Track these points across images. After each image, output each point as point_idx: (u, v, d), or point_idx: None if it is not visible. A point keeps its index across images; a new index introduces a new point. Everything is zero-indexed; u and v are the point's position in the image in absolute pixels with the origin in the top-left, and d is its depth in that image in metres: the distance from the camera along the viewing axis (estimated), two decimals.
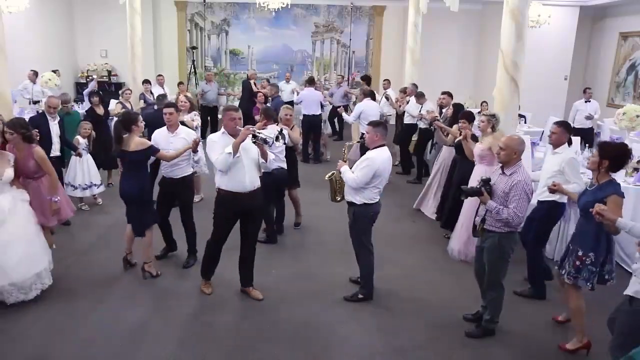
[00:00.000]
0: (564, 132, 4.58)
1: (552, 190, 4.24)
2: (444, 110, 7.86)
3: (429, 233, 6.43)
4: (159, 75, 11.08)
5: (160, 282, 4.90)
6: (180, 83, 10.54)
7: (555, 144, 4.60)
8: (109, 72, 13.73)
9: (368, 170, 4.27)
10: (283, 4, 11.24)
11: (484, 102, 10.12)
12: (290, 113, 6.05)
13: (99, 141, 7.22)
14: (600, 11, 13.87)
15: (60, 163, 6.41)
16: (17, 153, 4.60)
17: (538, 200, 4.69)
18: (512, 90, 5.79)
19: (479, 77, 14.35)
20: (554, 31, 12.65)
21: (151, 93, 9.97)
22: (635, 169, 6.15)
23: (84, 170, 6.76)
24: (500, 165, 4.01)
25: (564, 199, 4.59)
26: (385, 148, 4.43)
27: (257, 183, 4.41)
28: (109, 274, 5.01)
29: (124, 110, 8.02)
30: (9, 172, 4.37)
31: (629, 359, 2.74)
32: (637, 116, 7.11)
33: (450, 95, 8.06)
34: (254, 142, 4.24)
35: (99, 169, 7.12)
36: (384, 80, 10.91)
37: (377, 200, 4.47)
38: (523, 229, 4.85)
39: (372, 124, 4.48)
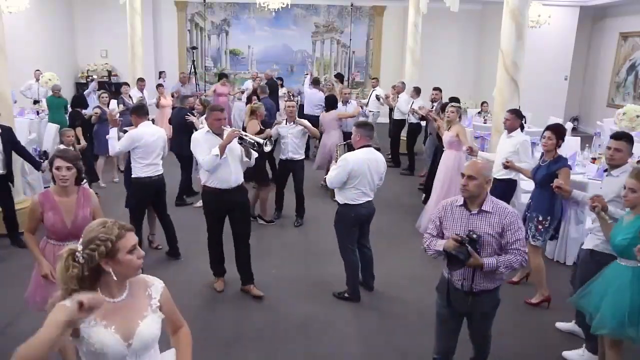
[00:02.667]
0: (516, 118, 5.21)
1: (506, 166, 4.80)
2: (435, 104, 8.50)
3: None
4: (140, 79, 10.33)
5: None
6: (159, 85, 10.24)
7: (510, 129, 5.21)
8: (109, 72, 13.73)
9: (340, 170, 4.29)
10: (283, 4, 11.25)
11: (484, 102, 10.13)
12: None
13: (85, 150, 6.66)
14: (600, 11, 13.88)
15: (5, 181, 5.53)
16: (59, 201, 3.23)
17: (496, 178, 5.21)
18: (512, 90, 5.80)
19: (479, 77, 14.35)
20: (554, 31, 12.66)
21: (130, 97, 9.35)
22: None
23: None
24: (461, 204, 2.96)
25: (517, 177, 5.30)
26: (369, 149, 4.41)
27: (241, 179, 4.55)
28: None
29: (99, 113, 7.46)
30: (149, 328, 1.98)
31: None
32: (637, 116, 7.10)
33: (440, 90, 8.91)
34: (240, 144, 4.45)
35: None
36: (372, 78, 11.31)
37: (361, 202, 4.40)
38: None
39: (356, 124, 4.56)
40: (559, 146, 4.41)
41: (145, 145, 4.99)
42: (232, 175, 4.42)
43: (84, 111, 7.78)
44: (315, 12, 14.67)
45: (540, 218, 4.44)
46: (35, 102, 9.72)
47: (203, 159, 4.31)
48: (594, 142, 7.57)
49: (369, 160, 4.35)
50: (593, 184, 5.30)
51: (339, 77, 11.76)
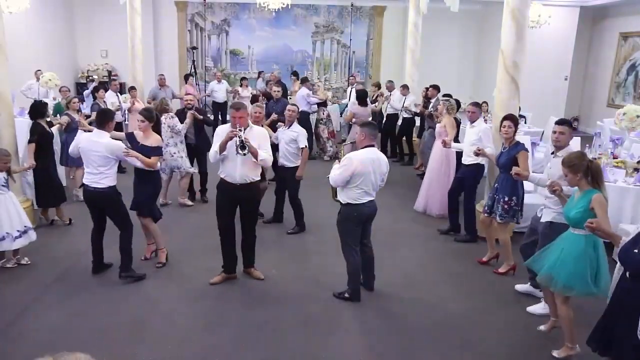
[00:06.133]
0: (479, 110, 6.03)
1: (477, 153, 5.38)
2: (431, 101, 8.88)
3: (428, 231, 6.43)
4: (113, 79, 9.77)
5: (163, 279, 4.90)
6: (131, 88, 9.71)
7: (472, 120, 5.87)
8: (109, 72, 13.73)
9: (344, 169, 4.32)
10: (283, 4, 11.24)
11: (484, 102, 10.12)
12: (259, 111, 6.13)
13: (44, 168, 5.83)
14: (600, 11, 13.88)
15: None
16: None
17: (464, 164, 6.01)
18: (512, 90, 5.80)
19: (479, 77, 14.35)
20: (554, 31, 12.65)
21: (104, 102, 8.79)
22: (636, 169, 6.15)
23: (10, 213, 4.90)
24: None
25: (483, 161, 5.88)
26: (373, 149, 4.44)
27: (250, 178, 4.65)
28: (105, 274, 5.03)
29: (69, 122, 6.85)
30: None
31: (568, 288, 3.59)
32: (637, 116, 7.10)
33: (433, 87, 9.32)
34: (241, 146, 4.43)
35: (39, 206, 6.16)
36: (351, 76, 12.00)
37: (364, 202, 4.42)
38: (452, 186, 6.29)
39: (361, 124, 4.67)
40: (515, 133, 5.05)
41: (81, 152, 4.71)
42: (237, 171, 4.57)
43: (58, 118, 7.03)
44: (315, 12, 14.67)
45: (506, 199, 5.00)
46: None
47: (210, 150, 4.64)
48: (594, 142, 7.54)
49: (372, 160, 4.37)
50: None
51: (304, 80, 11.04)
